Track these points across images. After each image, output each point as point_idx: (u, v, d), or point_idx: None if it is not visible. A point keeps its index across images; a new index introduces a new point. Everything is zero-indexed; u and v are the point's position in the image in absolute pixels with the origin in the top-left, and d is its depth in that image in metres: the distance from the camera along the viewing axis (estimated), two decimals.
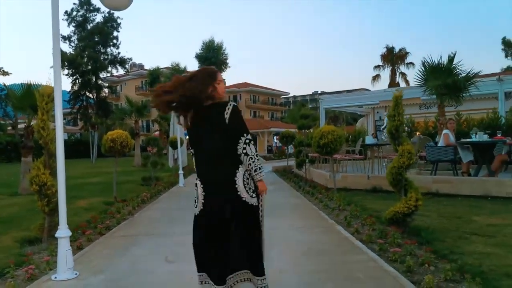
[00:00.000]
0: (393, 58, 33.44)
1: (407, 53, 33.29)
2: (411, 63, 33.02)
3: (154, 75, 35.11)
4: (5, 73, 33.35)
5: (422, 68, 9.03)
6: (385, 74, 43.70)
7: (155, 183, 10.54)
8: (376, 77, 34.55)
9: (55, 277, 3.38)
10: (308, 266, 3.63)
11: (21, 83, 9.19)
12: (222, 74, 24.37)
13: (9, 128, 34.82)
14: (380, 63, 34.51)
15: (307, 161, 11.50)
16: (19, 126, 35.81)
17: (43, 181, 4.64)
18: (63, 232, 3.48)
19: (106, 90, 43.16)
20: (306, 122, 12.32)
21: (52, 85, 4.27)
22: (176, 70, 34.90)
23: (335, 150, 7.70)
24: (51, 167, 4.86)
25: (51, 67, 4.32)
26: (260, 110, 63.03)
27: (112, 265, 3.77)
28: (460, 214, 5.62)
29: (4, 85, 9.85)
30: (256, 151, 2.42)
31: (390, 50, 33.78)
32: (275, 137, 34.89)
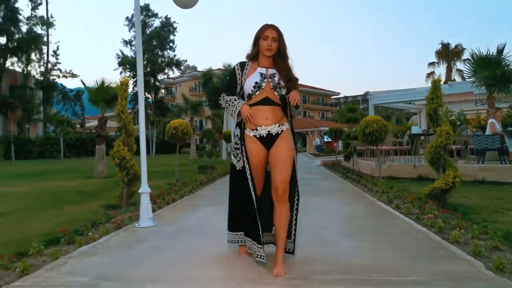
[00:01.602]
0: (449, 54, 32.23)
1: (463, 49, 31.89)
2: (468, 59, 31.46)
3: (207, 76, 36.55)
4: (74, 75, 36.47)
5: (471, 60, 9.07)
6: (440, 71, 42.00)
7: (210, 171, 11.40)
8: (430, 74, 33.49)
9: (138, 225, 4.18)
10: (349, 226, 4.15)
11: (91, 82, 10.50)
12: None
13: (78, 126, 37.97)
14: (435, 60, 33.44)
15: (354, 153, 11.82)
16: (86, 124, 38.98)
17: (122, 155, 5.52)
18: (144, 189, 4.29)
19: (162, 91, 45.56)
20: (354, 115, 12.63)
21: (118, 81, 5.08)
22: (228, 70, 36.19)
23: (380, 139, 8.03)
24: (129, 144, 5.76)
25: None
26: (310, 110, 63.10)
27: (181, 220, 4.54)
28: (502, 197, 5.80)
29: (83, 82, 11.22)
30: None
31: (445, 46, 32.59)
32: (318, 139, 35.98)
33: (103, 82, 10.30)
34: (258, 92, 2.69)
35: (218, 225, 3.93)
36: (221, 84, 26.68)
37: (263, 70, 2.75)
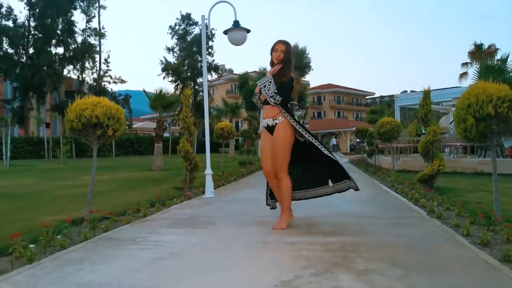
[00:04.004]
0: (482, 55, 32.34)
1: (496, 49, 31.92)
2: (499, 59, 31.37)
3: (244, 79, 38.49)
4: (122, 81, 39.66)
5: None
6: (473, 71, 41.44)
7: (249, 166, 13.23)
8: (463, 75, 33.71)
9: (204, 196, 6.04)
10: (351, 198, 5.80)
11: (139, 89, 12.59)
12: (305, 77, 26.42)
13: (126, 128, 41.11)
14: (468, 60, 33.61)
15: (376, 151, 13.27)
16: (133, 126, 42.10)
17: (187, 149, 7.40)
18: (208, 171, 6.15)
19: (201, 93, 48.13)
20: (376, 117, 14.04)
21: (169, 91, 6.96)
22: (263, 74, 38.03)
23: (393, 137, 9.57)
24: (191, 141, 7.66)
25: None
26: (344, 110, 63.86)
27: (232, 194, 6.38)
28: (485, 183, 7.16)
29: (144, 91, 13.34)
30: None
31: (478, 46, 32.74)
32: (334, 139, 39.18)
33: (161, 91, 12.39)
34: (261, 96, 3.80)
35: (257, 198, 5.69)
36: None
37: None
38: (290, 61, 3.76)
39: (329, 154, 3.77)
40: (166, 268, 2.56)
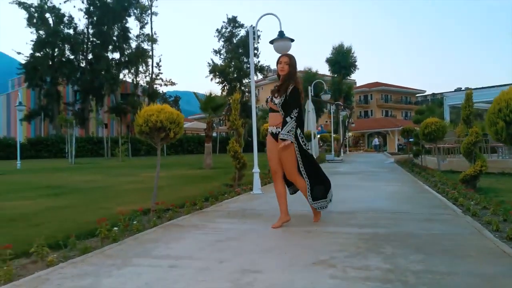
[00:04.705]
0: None
1: None
2: None
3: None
4: (173, 83, 41.53)
5: None
6: None
7: None
8: None
9: (252, 192, 6.61)
10: (389, 195, 6.11)
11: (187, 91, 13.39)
12: (350, 76, 26.86)
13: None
14: None
15: (423, 151, 13.20)
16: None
17: (236, 149, 8.03)
18: (256, 169, 6.71)
19: (247, 94, 49.14)
20: (421, 117, 13.93)
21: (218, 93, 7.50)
22: (308, 74, 38.20)
23: (438, 138, 9.62)
24: (239, 142, 8.27)
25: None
26: (392, 109, 62.26)
27: None
28: None
29: (195, 94, 14.23)
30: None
31: None
32: (376, 139, 39.00)
33: (210, 94, 13.18)
34: (268, 103, 4.08)
35: (299, 194, 6.13)
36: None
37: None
38: (293, 72, 4.01)
39: (304, 173, 3.96)
40: (225, 247, 3.13)
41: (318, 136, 21.59)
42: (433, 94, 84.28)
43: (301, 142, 3.89)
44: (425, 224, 3.93)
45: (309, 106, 17.24)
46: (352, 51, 38.08)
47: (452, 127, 13.31)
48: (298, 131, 3.87)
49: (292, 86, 3.86)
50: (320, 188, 4.01)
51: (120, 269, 2.63)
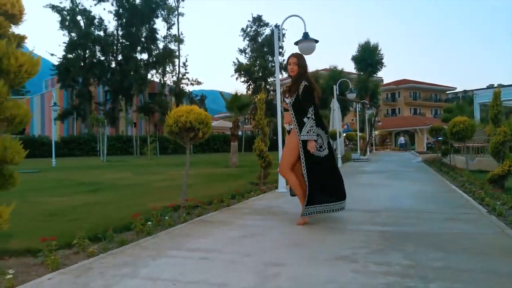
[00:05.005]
0: None
1: None
2: None
3: (314, 78, 38.86)
4: (199, 83, 42.16)
5: None
6: None
7: None
8: None
9: (277, 190, 6.77)
10: (415, 195, 6.12)
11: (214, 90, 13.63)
12: (378, 73, 26.67)
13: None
14: None
15: (452, 150, 12.97)
16: None
17: (261, 149, 8.20)
18: None
19: (272, 93, 49.27)
20: (450, 116, 13.66)
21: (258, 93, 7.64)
22: (334, 71, 37.92)
23: (466, 137, 9.47)
24: (265, 141, 8.43)
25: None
26: (421, 107, 60.87)
27: None
28: None
29: (221, 94, 14.51)
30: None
31: None
32: (402, 138, 38.28)
33: (236, 93, 13.40)
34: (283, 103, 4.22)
35: None
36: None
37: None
38: (303, 72, 4.03)
39: (305, 175, 3.90)
40: (251, 242, 3.31)
41: (344, 134, 21.47)
42: (465, 91, 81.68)
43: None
44: (448, 223, 3.97)
45: (335, 105, 17.21)
46: (379, 48, 37.54)
47: (482, 125, 12.99)
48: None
49: (303, 85, 3.90)
50: (318, 194, 3.90)
51: (155, 260, 2.86)
